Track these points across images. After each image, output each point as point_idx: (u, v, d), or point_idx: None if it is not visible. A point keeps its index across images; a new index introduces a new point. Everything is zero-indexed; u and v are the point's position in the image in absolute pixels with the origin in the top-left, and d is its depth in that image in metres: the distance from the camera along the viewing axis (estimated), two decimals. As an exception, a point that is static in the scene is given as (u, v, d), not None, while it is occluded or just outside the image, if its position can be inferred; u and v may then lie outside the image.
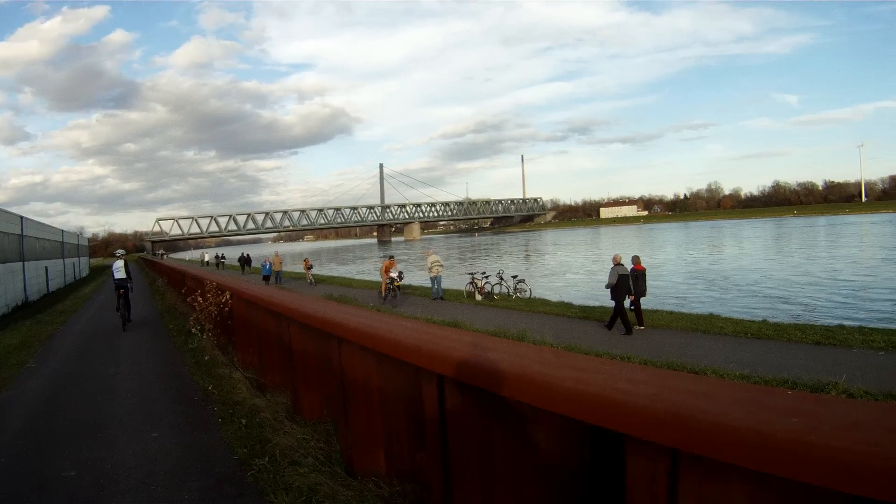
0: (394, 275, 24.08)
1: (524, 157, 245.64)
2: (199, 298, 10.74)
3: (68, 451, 6.22)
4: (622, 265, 16.11)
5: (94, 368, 10.95)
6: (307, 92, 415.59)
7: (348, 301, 20.20)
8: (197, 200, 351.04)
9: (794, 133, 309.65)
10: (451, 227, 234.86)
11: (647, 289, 16.46)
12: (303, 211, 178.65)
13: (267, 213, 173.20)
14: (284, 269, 38.76)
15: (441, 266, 24.79)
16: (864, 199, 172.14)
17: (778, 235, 76.71)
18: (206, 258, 74.67)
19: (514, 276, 24.70)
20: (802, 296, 25.89)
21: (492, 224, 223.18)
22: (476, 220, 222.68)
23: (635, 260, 16.48)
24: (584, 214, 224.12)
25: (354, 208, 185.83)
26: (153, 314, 19.83)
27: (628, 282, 15.74)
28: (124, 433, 6.75)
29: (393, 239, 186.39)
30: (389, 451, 4.28)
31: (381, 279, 25.16)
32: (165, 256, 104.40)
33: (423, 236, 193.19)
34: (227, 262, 67.72)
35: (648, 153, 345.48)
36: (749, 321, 16.14)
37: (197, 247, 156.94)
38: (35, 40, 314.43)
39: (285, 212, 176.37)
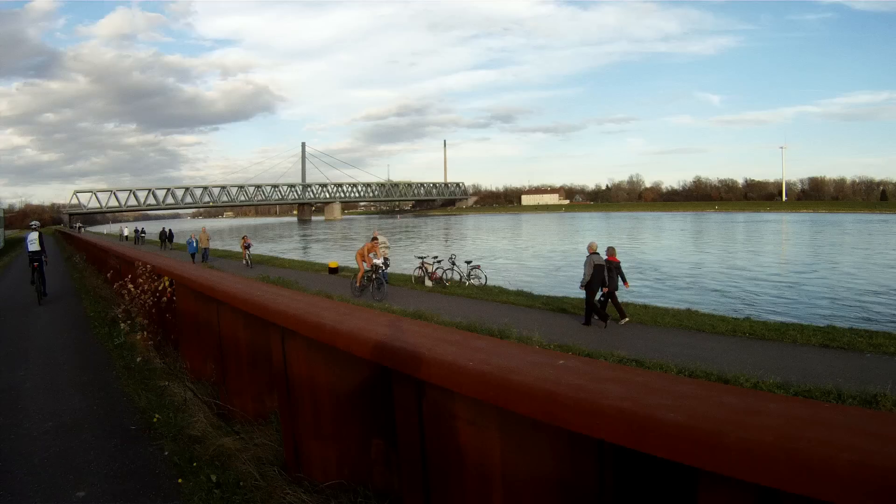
0: (378, 262, 19.34)
1: (446, 143, 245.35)
2: (130, 286, 8.33)
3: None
4: (598, 254, 14.70)
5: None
6: (231, 68, 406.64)
7: (292, 285, 18.01)
8: (116, 174, 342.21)
9: (715, 131, 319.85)
10: (372, 209, 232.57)
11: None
12: (223, 187, 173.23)
13: (187, 189, 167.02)
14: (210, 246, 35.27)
15: (388, 249, 22.68)
16: (784, 198, 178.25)
17: (702, 229, 78.05)
18: (126, 232, 72.04)
19: (468, 262, 22.78)
20: (737, 289, 25.72)
21: (413, 207, 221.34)
22: (397, 203, 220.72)
23: (610, 251, 15.13)
24: (505, 201, 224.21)
25: (275, 186, 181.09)
26: (71, 296, 16.97)
27: (603, 273, 14.41)
28: (33, 488, 4.47)
29: (313, 218, 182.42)
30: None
31: (357, 265, 20.31)
32: (83, 230, 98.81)
33: (343, 216, 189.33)
34: (146, 236, 64.13)
35: (570, 144, 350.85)
36: (734, 318, 15.16)
37: (115, 221, 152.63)
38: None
39: (205, 187, 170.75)
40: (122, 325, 8.51)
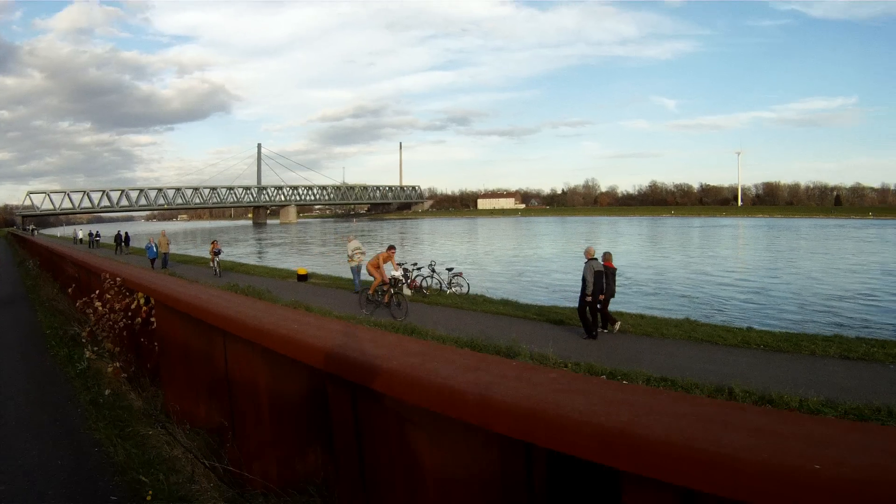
0: (397, 274, 17.24)
1: (402, 145, 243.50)
2: (97, 303, 6.82)
3: None
4: (596, 260, 13.75)
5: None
6: (187, 66, 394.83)
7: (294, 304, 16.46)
8: (70, 174, 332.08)
9: (670, 136, 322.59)
10: (328, 212, 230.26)
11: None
12: (178, 189, 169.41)
13: (141, 190, 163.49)
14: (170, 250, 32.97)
15: (363, 254, 21.25)
16: (739, 203, 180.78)
17: (660, 234, 78.37)
18: (80, 235, 68.45)
19: (450, 269, 21.47)
20: (705, 294, 25.52)
21: (368, 210, 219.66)
22: (353, 206, 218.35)
23: (606, 256, 14.15)
24: (461, 205, 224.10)
25: (231, 188, 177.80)
26: (24, 308, 14.62)
27: (602, 280, 13.50)
28: None
29: (268, 221, 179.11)
30: None
31: (370, 276, 17.68)
32: (36, 233, 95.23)
33: (298, 220, 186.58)
34: (101, 240, 61.65)
35: (526, 147, 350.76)
36: (738, 329, 14.42)
37: (69, 223, 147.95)
38: None
39: (160, 189, 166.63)
40: (88, 351, 6.88)
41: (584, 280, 13.50)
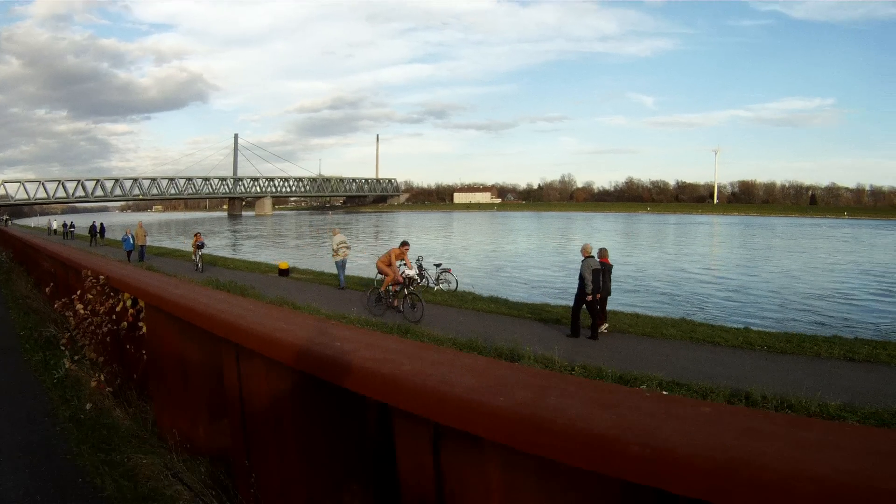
0: (411, 272, 16.04)
1: (379, 137, 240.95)
2: (79, 305, 6.07)
3: None
4: (593, 257, 13.36)
5: None
6: (166, 54, 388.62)
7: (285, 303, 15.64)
8: (45, 163, 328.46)
9: (647, 133, 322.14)
10: (303, 204, 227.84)
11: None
12: (153, 179, 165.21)
13: (117, 180, 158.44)
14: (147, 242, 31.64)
15: (348, 248, 20.51)
16: (715, 200, 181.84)
17: (637, 230, 78.60)
18: (54, 226, 67.27)
19: (438, 265, 20.79)
20: (686, 292, 25.44)
21: (344, 203, 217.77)
22: (328, 198, 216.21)
23: (602, 253, 13.85)
24: (437, 198, 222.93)
25: (207, 179, 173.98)
26: None
27: (600, 278, 13.09)
28: None
29: (243, 213, 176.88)
30: None
31: (379, 273, 16.59)
32: (10, 223, 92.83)
33: (274, 212, 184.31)
34: (76, 231, 59.69)
35: (503, 141, 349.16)
36: (736, 329, 14.21)
37: (43, 213, 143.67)
38: None
39: (135, 179, 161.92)
40: (67, 361, 6.08)
41: (581, 279, 13.08)
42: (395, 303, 15.45)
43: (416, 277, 15.73)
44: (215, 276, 21.07)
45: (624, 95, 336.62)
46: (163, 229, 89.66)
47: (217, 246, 50.34)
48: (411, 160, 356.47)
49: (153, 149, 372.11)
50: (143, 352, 5.33)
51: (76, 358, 5.92)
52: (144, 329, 5.28)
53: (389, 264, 15.78)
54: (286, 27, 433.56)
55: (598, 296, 13.10)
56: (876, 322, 19.09)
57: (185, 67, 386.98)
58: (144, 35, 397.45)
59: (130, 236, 29.58)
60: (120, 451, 4.50)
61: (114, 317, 5.82)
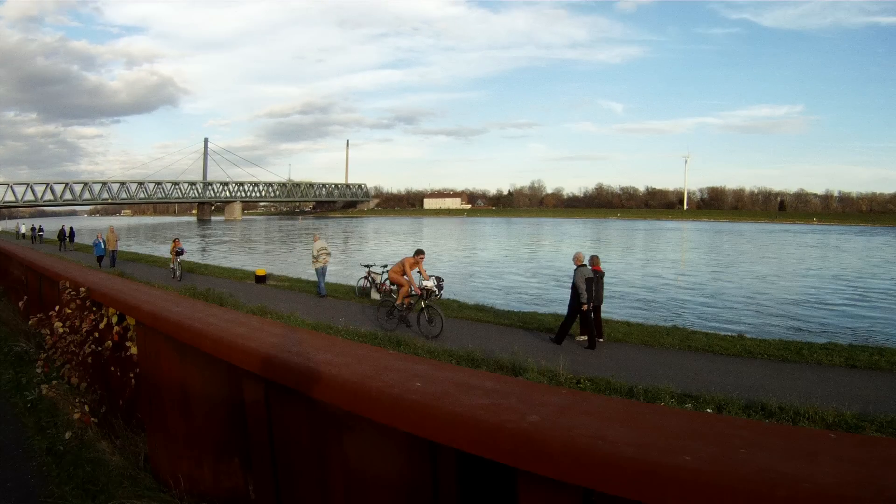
0: (429, 284, 14.28)
1: (349, 143, 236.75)
2: (56, 322, 5.33)
3: None
4: (586, 266, 13.00)
5: None
6: (137, 57, 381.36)
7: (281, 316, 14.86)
8: (13, 166, 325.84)
9: (617, 139, 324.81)
10: (273, 209, 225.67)
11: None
12: (123, 183, 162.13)
13: (85, 184, 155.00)
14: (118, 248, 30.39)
15: (329, 255, 19.81)
16: (685, 207, 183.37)
17: (608, 236, 78.91)
18: (23, 230, 65.90)
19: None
20: (662, 297, 25.22)
21: (314, 208, 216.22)
22: (298, 204, 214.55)
23: (594, 260, 13.46)
24: (407, 204, 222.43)
25: (176, 183, 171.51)
26: None
27: (593, 286, 12.78)
28: None
29: (213, 218, 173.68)
30: None
31: (392, 284, 15.86)
32: None
33: (243, 217, 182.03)
34: (45, 235, 57.92)
35: (473, 147, 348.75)
36: (731, 336, 13.98)
37: (11, 217, 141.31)
38: None
39: (104, 183, 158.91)
40: (45, 387, 5.27)
41: (574, 288, 12.73)
42: (407, 311, 14.46)
43: (435, 289, 14.34)
44: (191, 284, 20.22)
45: (594, 102, 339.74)
46: (132, 234, 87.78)
47: (187, 251, 49.24)
48: (381, 166, 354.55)
49: (122, 152, 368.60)
50: (131, 375, 4.64)
51: (55, 382, 5.15)
52: (133, 350, 4.60)
53: (403, 274, 14.64)
54: (257, 31, 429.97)
55: (592, 304, 12.76)
56: (853, 327, 19.03)
57: (156, 71, 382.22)
58: (115, 38, 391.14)
59: (101, 241, 28.61)
60: (111, 495, 3.81)
61: (96, 334, 5.11)
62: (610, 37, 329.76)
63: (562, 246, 58.70)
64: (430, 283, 14.24)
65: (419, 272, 14.62)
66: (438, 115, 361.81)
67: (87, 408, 4.70)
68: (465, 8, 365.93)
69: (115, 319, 4.92)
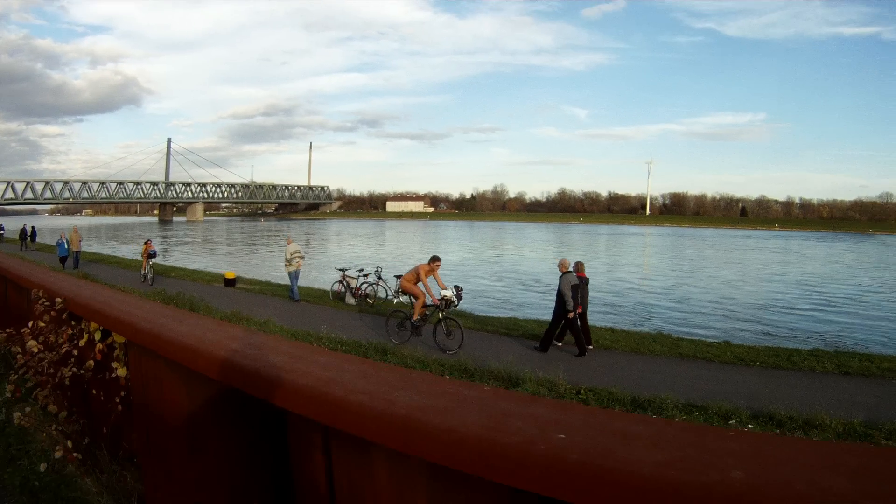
0: (447, 293, 13.06)
1: (312, 145, 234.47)
2: (30, 340, 4.57)
3: None
4: (571, 273, 12.81)
5: None
6: (101, 56, 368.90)
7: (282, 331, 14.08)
8: None
9: (580, 145, 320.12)
10: (235, 210, 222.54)
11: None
12: (84, 183, 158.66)
13: (47, 183, 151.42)
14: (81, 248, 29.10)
15: (302, 258, 19.13)
16: (647, 212, 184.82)
17: (571, 241, 79.00)
18: None
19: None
20: (630, 302, 25.20)
21: (276, 210, 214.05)
22: (260, 205, 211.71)
23: (578, 267, 13.32)
24: (369, 207, 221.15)
25: (138, 184, 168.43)
26: None
27: (578, 293, 12.56)
28: None
29: (174, 219, 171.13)
30: None
31: (405, 294, 15.06)
32: None
33: (205, 218, 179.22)
34: (5, 234, 55.12)
35: (436, 151, 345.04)
36: (718, 343, 13.86)
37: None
38: None
39: (66, 182, 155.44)
40: (18, 414, 4.47)
41: (560, 295, 12.44)
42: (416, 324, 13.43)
43: (454, 299, 13.22)
44: (160, 287, 19.34)
45: (558, 108, 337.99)
46: (93, 233, 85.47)
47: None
48: (344, 168, 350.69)
49: (85, 152, 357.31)
50: (117, 400, 3.97)
51: (28, 410, 4.40)
52: (120, 372, 3.94)
53: (417, 282, 13.63)
54: (222, 33, 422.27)
55: (579, 309, 12.57)
56: (821, 331, 19.13)
57: (120, 70, 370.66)
58: (80, 36, 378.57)
59: (65, 241, 27.58)
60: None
61: (76, 353, 4.42)
62: (575, 44, 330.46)
63: (525, 250, 58.65)
64: (448, 293, 13.12)
65: (435, 280, 13.66)
66: (402, 118, 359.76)
67: (69, 443, 3.98)
68: (431, 13, 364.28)
69: (97, 336, 4.23)
